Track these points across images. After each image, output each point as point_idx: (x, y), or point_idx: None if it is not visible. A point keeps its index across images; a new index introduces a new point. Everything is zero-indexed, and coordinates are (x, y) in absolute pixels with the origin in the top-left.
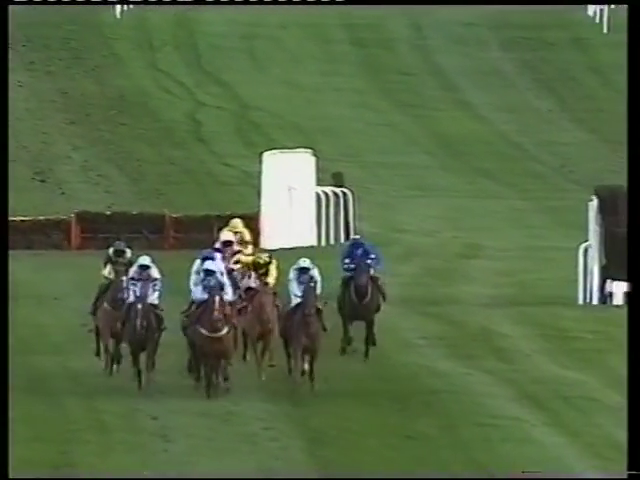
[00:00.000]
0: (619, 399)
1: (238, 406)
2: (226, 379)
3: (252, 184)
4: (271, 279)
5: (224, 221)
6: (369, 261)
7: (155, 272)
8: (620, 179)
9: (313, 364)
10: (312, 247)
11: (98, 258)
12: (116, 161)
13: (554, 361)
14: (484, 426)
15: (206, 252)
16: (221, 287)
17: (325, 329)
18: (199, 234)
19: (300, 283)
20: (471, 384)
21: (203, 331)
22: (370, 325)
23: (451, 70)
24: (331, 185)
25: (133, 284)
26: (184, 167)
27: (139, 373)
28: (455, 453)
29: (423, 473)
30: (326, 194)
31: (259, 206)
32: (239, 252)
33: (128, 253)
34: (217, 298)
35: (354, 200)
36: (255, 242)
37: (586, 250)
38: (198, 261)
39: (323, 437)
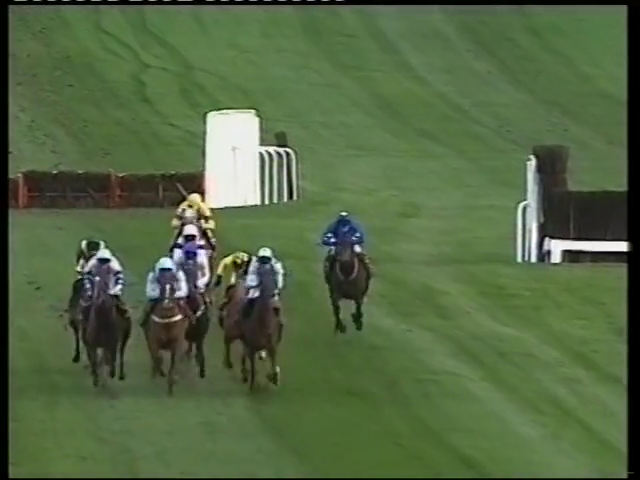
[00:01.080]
0: (556, 355)
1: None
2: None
3: (196, 144)
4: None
5: (169, 180)
6: (354, 238)
7: (116, 265)
8: (557, 139)
9: (274, 363)
10: (256, 206)
11: (44, 217)
12: (62, 121)
13: (492, 318)
14: (424, 382)
15: (189, 246)
16: (173, 278)
17: (282, 324)
18: (144, 193)
19: (259, 274)
20: (411, 341)
21: (156, 319)
22: (358, 302)
23: (392, 32)
24: (274, 145)
25: (90, 279)
26: (129, 127)
27: (95, 370)
28: (396, 409)
29: (365, 431)
30: (269, 154)
31: (203, 166)
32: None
33: (102, 246)
34: (168, 287)
35: (297, 160)
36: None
37: (524, 209)
38: (181, 253)
39: (265, 394)
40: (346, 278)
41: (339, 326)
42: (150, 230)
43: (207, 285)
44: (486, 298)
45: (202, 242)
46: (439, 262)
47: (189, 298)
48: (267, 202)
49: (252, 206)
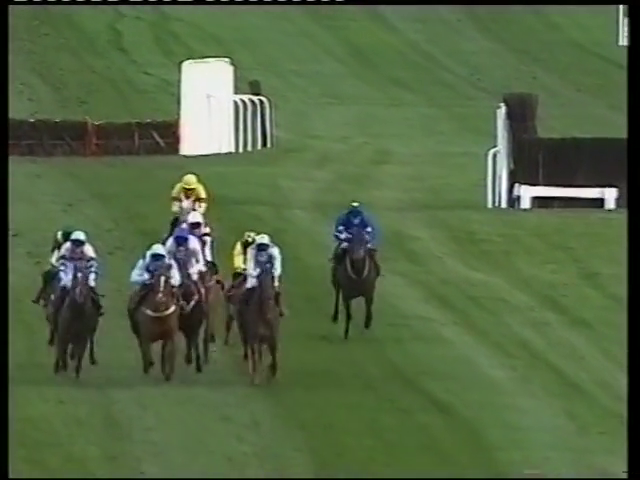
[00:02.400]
0: (525, 299)
1: None
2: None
3: (171, 92)
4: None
5: (144, 128)
6: (366, 235)
7: (90, 250)
8: (527, 87)
9: (275, 354)
10: (230, 153)
11: (22, 164)
12: (39, 70)
13: (463, 263)
14: (396, 326)
15: (179, 232)
16: (168, 269)
17: (282, 314)
18: (120, 141)
19: (257, 262)
20: (383, 285)
21: (148, 312)
22: (369, 302)
23: None
24: (249, 93)
25: (64, 264)
26: (105, 76)
27: (65, 366)
28: (368, 351)
29: (338, 374)
30: (244, 102)
31: (179, 114)
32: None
33: (77, 231)
34: (162, 279)
35: (270, 108)
36: (175, 149)
37: (495, 156)
38: (171, 241)
39: (239, 341)
40: (358, 277)
41: (347, 332)
42: (126, 177)
43: (201, 273)
44: (457, 243)
45: (207, 229)
46: (410, 208)
47: (181, 287)
48: (241, 150)
49: (227, 153)
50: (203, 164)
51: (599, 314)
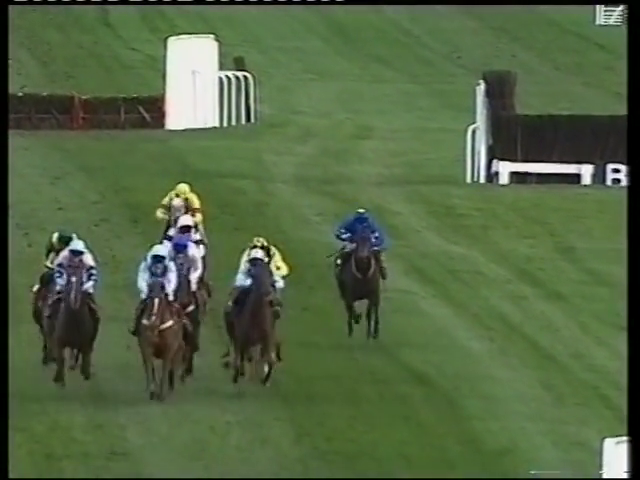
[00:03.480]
0: (503, 272)
1: None
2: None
3: (157, 68)
4: (283, 271)
5: (130, 103)
6: (372, 239)
7: (89, 259)
8: (505, 64)
9: (266, 362)
10: (215, 128)
11: (10, 138)
12: (27, 45)
13: (442, 237)
14: None
15: (178, 239)
16: (164, 272)
17: (278, 315)
18: (106, 115)
19: (249, 276)
20: None
21: (146, 323)
22: (376, 303)
23: None
24: (233, 69)
25: (60, 272)
26: (92, 51)
27: (61, 373)
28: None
29: (318, 345)
30: (228, 78)
31: (164, 89)
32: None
33: (75, 238)
34: (156, 301)
35: (254, 84)
36: (160, 123)
37: (473, 132)
38: (170, 249)
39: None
40: (363, 277)
41: (350, 329)
42: (112, 151)
43: (199, 281)
44: (436, 218)
45: (197, 236)
46: (391, 183)
47: (178, 296)
48: (226, 124)
49: (211, 128)
50: (188, 138)
51: (575, 287)
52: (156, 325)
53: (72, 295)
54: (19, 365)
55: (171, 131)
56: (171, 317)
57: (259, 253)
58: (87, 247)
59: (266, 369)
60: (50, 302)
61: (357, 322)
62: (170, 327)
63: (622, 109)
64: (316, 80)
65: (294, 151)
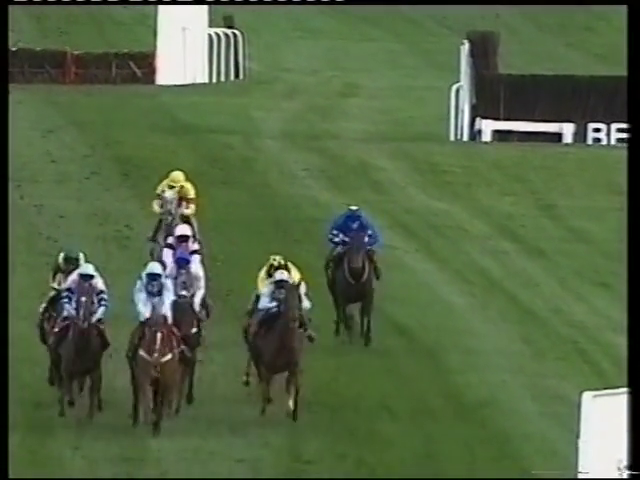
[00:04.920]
0: (484, 228)
1: None
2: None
3: (148, 24)
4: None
5: (121, 58)
6: (366, 239)
7: (100, 283)
8: (489, 25)
9: (294, 390)
10: (204, 84)
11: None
12: (20, 1)
13: (426, 193)
14: None
15: (180, 253)
16: (160, 291)
17: (312, 338)
18: (98, 70)
19: (273, 299)
20: None
21: (144, 355)
22: (369, 306)
23: None
24: (222, 27)
25: (69, 297)
26: (84, 7)
27: (72, 403)
28: None
29: None
30: (218, 35)
31: (155, 45)
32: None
33: (82, 260)
34: (159, 336)
35: (243, 41)
36: (151, 79)
37: (457, 90)
38: (172, 264)
39: (213, 265)
40: (357, 282)
41: (337, 331)
42: (103, 106)
43: (202, 300)
44: (420, 174)
45: (195, 245)
46: (376, 140)
47: (180, 316)
48: (215, 81)
49: (201, 84)
50: (178, 94)
51: (555, 244)
52: (156, 359)
53: (83, 324)
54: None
55: (161, 86)
56: (170, 350)
57: (284, 275)
58: (97, 270)
59: (291, 403)
60: (57, 329)
61: (349, 328)
62: (170, 360)
63: (603, 70)
64: (304, 38)
65: (281, 107)
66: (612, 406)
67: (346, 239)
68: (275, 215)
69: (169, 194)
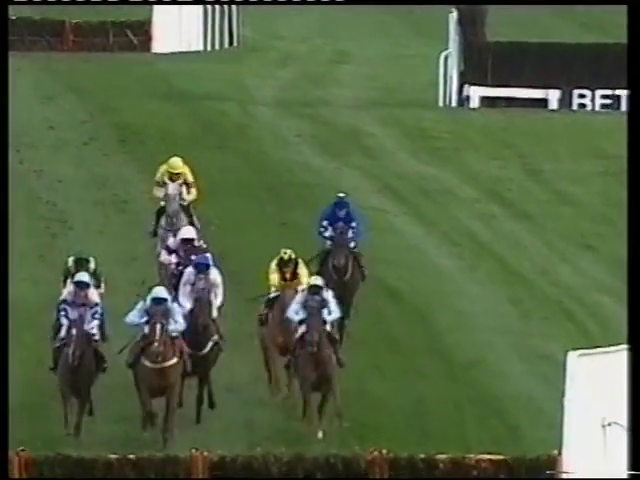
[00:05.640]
0: (473, 192)
1: None
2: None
3: None
4: (303, 281)
5: (119, 27)
6: (350, 233)
7: (95, 295)
8: None
9: (325, 406)
10: (199, 51)
11: None
12: None
13: (415, 158)
14: None
15: (200, 258)
16: (166, 314)
17: (341, 365)
18: (95, 38)
19: (305, 308)
20: (340, 178)
21: (147, 363)
22: (348, 305)
23: None
24: None
25: (65, 309)
26: None
27: (66, 419)
28: None
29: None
30: (212, 3)
31: (151, 13)
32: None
33: (92, 263)
34: (158, 327)
35: (237, 9)
36: (147, 47)
37: (446, 58)
38: (190, 269)
39: (207, 229)
40: (339, 279)
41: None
42: (100, 73)
43: (220, 308)
44: (409, 139)
45: (201, 242)
46: (367, 106)
47: (198, 328)
48: (210, 48)
49: (196, 52)
50: (173, 61)
51: (541, 207)
52: (159, 363)
53: (74, 343)
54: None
55: (157, 54)
56: (174, 355)
57: (319, 280)
58: (94, 275)
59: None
60: (52, 349)
61: None
62: (173, 365)
63: (588, 37)
64: (297, 6)
65: (275, 75)
66: (596, 365)
67: (333, 235)
68: (268, 180)
69: (172, 190)
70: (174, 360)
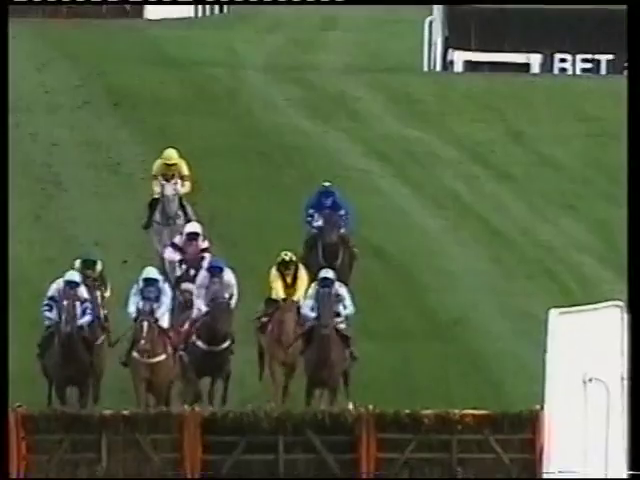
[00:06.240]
0: (456, 154)
1: None
2: None
3: None
4: (300, 292)
5: None
6: (339, 217)
7: (84, 292)
8: None
9: (334, 401)
10: (190, 18)
11: None
12: None
13: (400, 121)
14: (338, 178)
15: (214, 261)
16: (157, 297)
17: (355, 357)
18: (89, 5)
19: (317, 301)
20: (328, 141)
21: (137, 356)
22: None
23: None
24: None
25: (50, 305)
26: None
27: (49, 399)
28: None
29: (282, 222)
30: None
31: None
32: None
33: (99, 265)
34: (145, 324)
35: None
36: (140, 13)
37: (431, 23)
38: (204, 272)
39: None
40: (330, 265)
41: None
42: (94, 39)
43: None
44: (395, 103)
45: (205, 243)
46: (353, 71)
47: (215, 328)
48: (200, 15)
49: (187, 18)
50: (165, 27)
51: (523, 169)
52: (148, 356)
53: (66, 330)
54: None
55: (150, 20)
56: (164, 350)
57: (330, 273)
58: (100, 277)
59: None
60: (40, 340)
61: None
62: (162, 361)
63: (569, 4)
64: None
65: (264, 41)
66: (577, 322)
67: (321, 223)
68: (258, 143)
69: (169, 190)
70: (163, 357)
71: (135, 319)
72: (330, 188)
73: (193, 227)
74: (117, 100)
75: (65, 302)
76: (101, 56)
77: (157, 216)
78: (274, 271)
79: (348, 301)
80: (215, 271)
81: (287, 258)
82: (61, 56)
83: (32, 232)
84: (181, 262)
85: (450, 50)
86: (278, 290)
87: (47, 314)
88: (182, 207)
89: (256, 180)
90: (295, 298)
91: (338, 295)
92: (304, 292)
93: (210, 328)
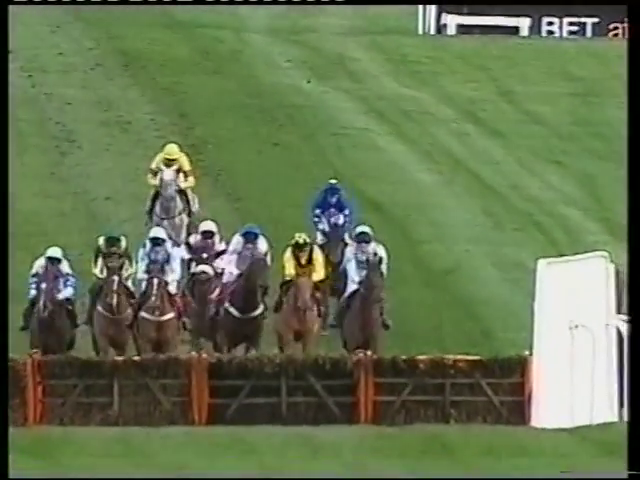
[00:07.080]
0: (450, 112)
1: None
2: None
3: None
4: (318, 275)
5: None
6: (342, 221)
7: (66, 266)
8: None
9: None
10: None
11: None
12: None
13: (396, 81)
14: (338, 135)
15: (249, 227)
16: (167, 260)
17: (387, 326)
18: None
19: (359, 263)
20: (328, 100)
21: (145, 315)
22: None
23: None
24: None
25: (35, 282)
26: None
27: None
28: (314, 157)
29: (288, 177)
30: None
31: None
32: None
33: (123, 242)
34: (155, 281)
35: None
36: None
37: None
38: (238, 238)
39: (205, 147)
40: (332, 272)
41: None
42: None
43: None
44: (391, 64)
45: (222, 246)
46: (352, 33)
47: (248, 291)
48: None
49: None
50: None
51: (513, 126)
52: (158, 314)
53: (42, 302)
54: None
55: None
56: (172, 309)
57: (366, 227)
58: (125, 254)
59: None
60: (23, 313)
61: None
62: (170, 320)
63: None
64: None
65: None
66: (564, 272)
67: (327, 229)
68: (261, 102)
69: (167, 176)
70: (171, 314)
71: (148, 273)
72: (336, 185)
73: (207, 225)
74: (127, 62)
75: (49, 278)
76: (113, 20)
77: (157, 208)
78: (288, 253)
79: (384, 265)
80: (249, 237)
81: (301, 241)
82: (75, 19)
83: (47, 187)
84: (190, 261)
85: (444, 14)
86: (290, 269)
87: (32, 292)
88: (185, 200)
89: (260, 137)
90: (314, 278)
91: (376, 254)
92: (323, 272)
93: (245, 290)
